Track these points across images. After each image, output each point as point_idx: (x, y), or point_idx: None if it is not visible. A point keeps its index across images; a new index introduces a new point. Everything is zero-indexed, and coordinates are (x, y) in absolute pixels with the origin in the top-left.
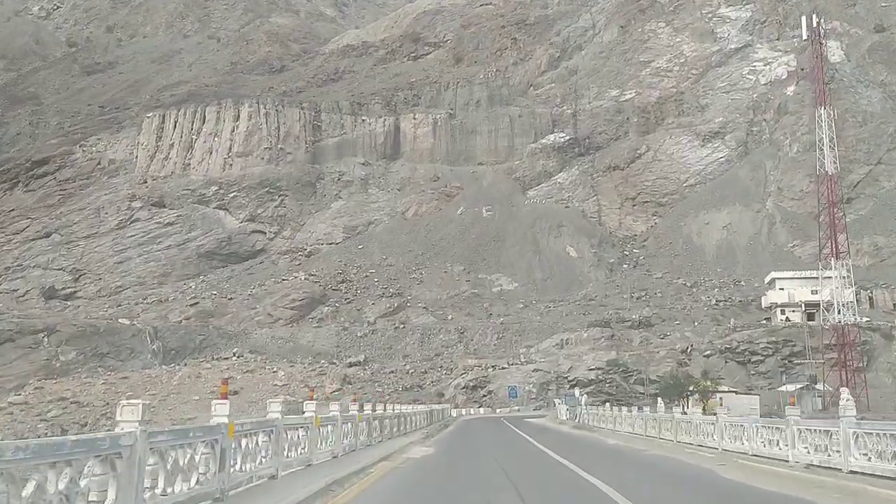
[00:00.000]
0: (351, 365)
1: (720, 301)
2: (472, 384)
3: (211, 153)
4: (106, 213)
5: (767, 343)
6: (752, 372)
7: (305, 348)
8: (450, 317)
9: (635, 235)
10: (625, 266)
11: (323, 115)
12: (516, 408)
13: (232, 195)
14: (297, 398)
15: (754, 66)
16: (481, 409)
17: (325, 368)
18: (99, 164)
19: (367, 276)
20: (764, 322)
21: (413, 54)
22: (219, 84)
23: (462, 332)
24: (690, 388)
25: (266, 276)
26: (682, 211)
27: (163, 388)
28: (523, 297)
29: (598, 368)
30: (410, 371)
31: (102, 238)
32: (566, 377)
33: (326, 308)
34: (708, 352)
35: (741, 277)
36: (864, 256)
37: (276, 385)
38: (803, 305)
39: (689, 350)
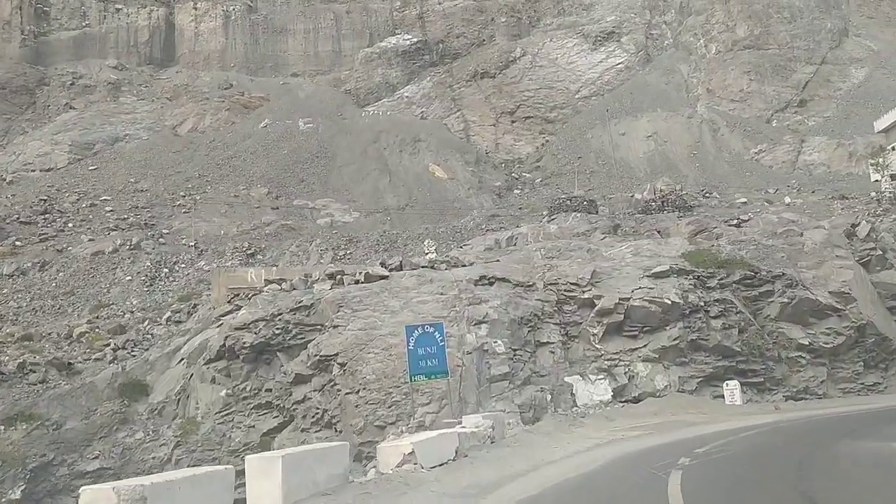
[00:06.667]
0: None
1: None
2: (238, 340)
3: None
4: None
5: None
6: None
7: None
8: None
9: (520, 158)
10: (517, 191)
11: None
12: (465, 425)
13: None
14: None
15: None
16: (306, 450)
17: None
18: None
19: (94, 205)
20: None
21: None
22: None
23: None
24: None
25: None
26: (584, 123)
27: None
28: (369, 229)
29: (681, 273)
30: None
31: None
32: (589, 298)
33: None
34: (882, 232)
35: (708, 188)
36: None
37: None
38: None
39: (874, 234)
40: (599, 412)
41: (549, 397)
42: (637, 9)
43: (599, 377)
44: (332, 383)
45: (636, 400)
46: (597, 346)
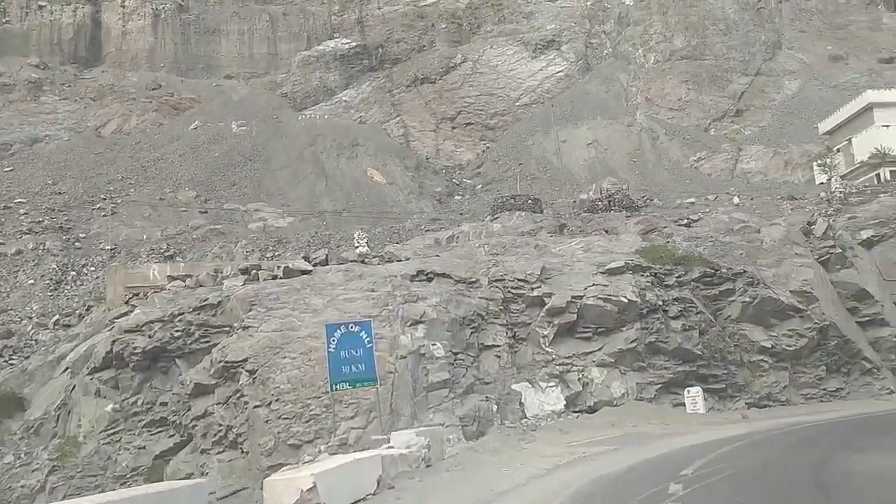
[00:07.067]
0: None
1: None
2: None
3: None
4: None
5: None
6: None
7: None
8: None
9: (461, 164)
10: (457, 197)
11: None
12: (393, 444)
13: None
14: None
15: None
16: None
17: None
18: None
19: (8, 208)
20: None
21: None
22: None
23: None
24: None
25: None
26: (525, 130)
27: None
28: (304, 233)
29: (637, 270)
30: None
31: None
32: (538, 296)
33: None
34: (839, 230)
35: (648, 195)
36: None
37: None
38: None
39: (831, 232)
40: (552, 424)
41: (494, 408)
42: (576, 18)
43: (551, 384)
44: (238, 395)
45: (591, 409)
46: (547, 349)
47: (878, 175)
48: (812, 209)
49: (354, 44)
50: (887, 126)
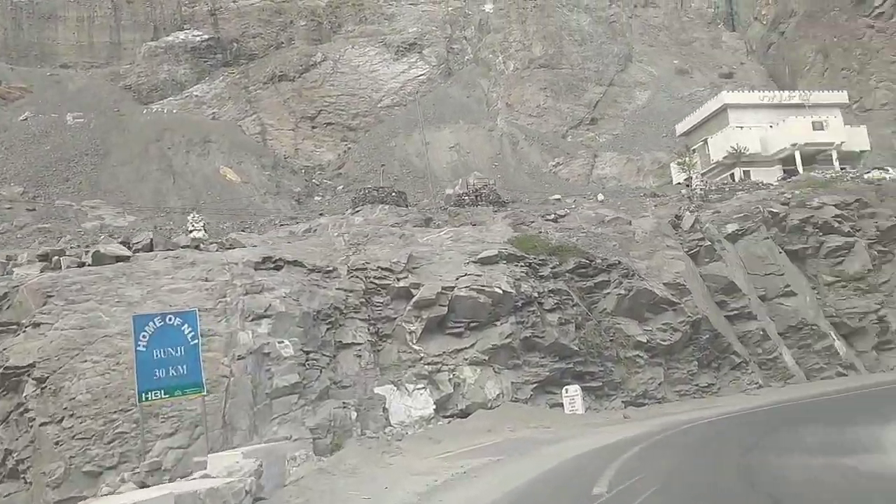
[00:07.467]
0: None
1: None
2: None
3: None
4: None
5: (846, 209)
6: (812, 272)
7: None
8: None
9: (321, 165)
10: (318, 198)
11: None
12: (210, 471)
13: None
14: None
15: None
16: None
17: None
18: None
19: None
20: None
21: None
22: None
23: None
24: None
25: None
26: (387, 132)
27: None
28: (144, 229)
29: (511, 259)
30: None
31: None
32: (405, 287)
33: None
34: (706, 223)
35: (510, 199)
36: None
37: None
38: (798, 153)
39: (698, 225)
40: (421, 432)
41: (354, 415)
42: (438, 22)
43: (419, 386)
44: (21, 409)
45: (464, 413)
46: (415, 346)
47: (732, 174)
48: (675, 205)
49: (207, 37)
50: (741, 127)
